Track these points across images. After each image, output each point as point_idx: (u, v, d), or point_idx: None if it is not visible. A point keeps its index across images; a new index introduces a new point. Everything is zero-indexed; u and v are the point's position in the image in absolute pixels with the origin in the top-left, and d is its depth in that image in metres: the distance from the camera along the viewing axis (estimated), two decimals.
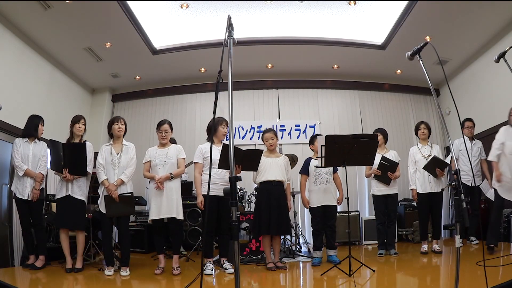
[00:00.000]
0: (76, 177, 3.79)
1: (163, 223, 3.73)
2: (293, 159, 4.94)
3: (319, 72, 6.82)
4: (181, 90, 7.09)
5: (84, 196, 3.85)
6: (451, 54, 5.81)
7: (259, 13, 5.15)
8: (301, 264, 4.20)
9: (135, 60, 6.10)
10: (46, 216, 4.51)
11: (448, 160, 4.60)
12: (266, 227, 3.73)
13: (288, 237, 4.88)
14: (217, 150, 3.64)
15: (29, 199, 3.82)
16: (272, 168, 3.86)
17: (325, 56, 6.21)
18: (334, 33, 5.65)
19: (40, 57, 5.40)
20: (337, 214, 4.37)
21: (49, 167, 4.04)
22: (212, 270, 3.69)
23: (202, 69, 6.62)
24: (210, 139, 3.77)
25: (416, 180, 4.45)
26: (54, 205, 4.56)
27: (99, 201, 3.75)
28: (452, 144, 3.08)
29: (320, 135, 4.53)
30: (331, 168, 4.09)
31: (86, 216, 3.98)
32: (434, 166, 4.28)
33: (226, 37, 1.98)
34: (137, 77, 6.80)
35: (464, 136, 4.72)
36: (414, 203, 5.23)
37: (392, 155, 4.45)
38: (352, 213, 5.26)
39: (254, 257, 4.32)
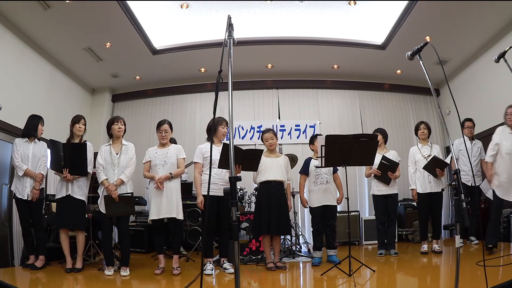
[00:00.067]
0: (76, 177, 3.79)
1: (163, 223, 3.73)
2: (293, 159, 4.94)
3: (319, 72, 6.82)
4: (181, 90, 7.09)
5: (84, 196, 3.85)
6: (451, 54, 5.81)
7: (259, 13, 5.15)
8: (301, 264, 4.20)
9: (135, 60, 6.10)
10: (46, 216, 4.51)
11: (448, 160, 4.60)
12: (266, 227, 3.73)
13: (288, 237, 4.88)
14: (217, 150, 3.64)
15: (29, 199, 3.82)
16: (272, 168, 3.86)
17: (325, 56, 6.21)
18: (334, 33, 5.65)
19: (40, 57, 5.40)
20: (337, 214, 4.37)
21: (49, 167, 4.04)
22: (212, 270, 3.69)
23: (202, 69, 6.62)
24: (210, 139, 3.77)
25: (416, 180, 4.45)
26: (54, 205, 4.56)
27: (99, 201, 3.75)
28: (452, 144, 3.08)
29: (320, 135, 4.53)
30: (331, 168, 4.09)
31: (86, 216, 3.98)
32: (434, 166, 4.28)
33: (226, 37, 1.98)
34: (137, 77, 6.80)
35: (464, 136, 4.72)
36: (414, 203, 5.23)
37: (392, 155, 4.45)
38: (352, 213, 5.25)
39: (254, 257, 4.32)
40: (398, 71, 6.69)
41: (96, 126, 6.46)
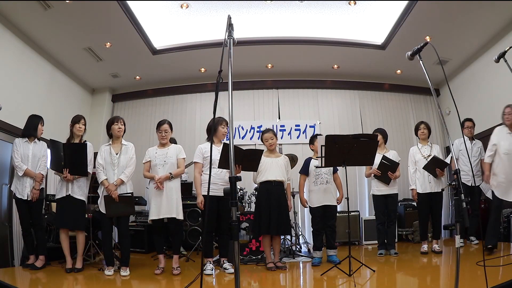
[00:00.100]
0: (76, 177, 3.79)
1: (163, 223, 3.73)
2: (293, 159, 4.94)
3: (319, 72, 6.82)
4: (181, 90, 7.09)
5: (84, 196, 3.85)
6: (451, 54, 5.81)
7: (259, 13, 5.15)
8: (301, 264, 4.20)
9: (135, 60, 6.10)
10: (46, 216, 4.51)
11: (448, 160, 4.60)
12: (266, 227, 3.73)
13: (288, 237, 4.88)
14: (217, 150, 3.64)
15: (28, 199, 3.82)
16: (272, 168, 3.86)
17: (325, 56, 6.21)
18: (334, 33, 5.64)
19: (40, 57, 5.40)
20: (337, 214, 4.37)
21: (49, 167, 4.04)
22: (212, 270, 3.69)
23: (202, 69, 6.62)
24: (210, 139, 3.77)
25: (416, 180, 4.45)
26: (54, 205, 4.56)
27: (99, 201, 3.75)
28: (452, 144, 3.08)
29: (320, 135, 4.53)
30: (331, 168, 4.09)
31: (86, 216, 3.98)
32: (434, 166, 4.28)
33: (226, 37, 1.98)
34: (137, 77, 6.80)
35: (464, 136, 4.72)
36: (414, 203, 5.23)
37: (392, 155, 4.46)
38: (352, 213, 5.25)
39: (254, 257, 4.32)
40: (398, 71, 6.69)
41: (96, 126, 6.46)
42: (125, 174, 3.75)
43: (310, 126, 6.77)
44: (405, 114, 7.03)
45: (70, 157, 3.75)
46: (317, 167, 4.05)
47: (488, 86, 5.56)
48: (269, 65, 6.60)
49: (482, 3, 4.50)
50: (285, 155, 4.24)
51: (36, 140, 4.01)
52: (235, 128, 6.66)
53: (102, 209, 3.67)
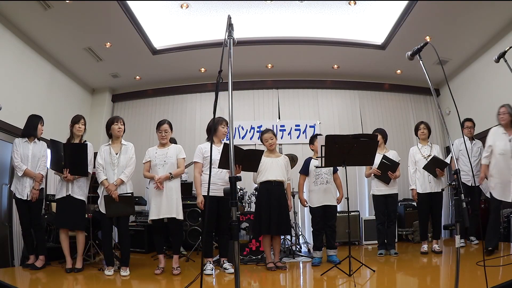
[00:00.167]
0: (76, 177, 3.79)
1: (163, 223, 3.73)
2: (293, 159, 4.94)
3: (319, 72, 6.81)
4: (181, 90, 7.09)
5: (84, 196, 3.85)
6: (451, 54, 5.81)
7: (259, 13, 5.15)
8: (301, 264, 4.20)
9: (135, 60, 6.10)
10: (46, 216, 4.51)
11: (448, 160, 4.60)
12: (266, 227, 3.73)
13: (288, 237, 4.88)
14: (217, 150, 3.65)
15: (28, 199, 3.82)
16: (272, 168, 3.86)
17: (325, 56, 6.21)
18: (334, 33, 5.64)
19: (40, 57, 5.40)
20: (337, 214, 4.37)
21: (49, 167, 4.03)
22: (212, 270, 3.69)
23: (202, 69, 6.62)
24: (210, 139, 3.77)
25: (416, 180, 4.45)
26: (54, 205, 4.56)
27: (99, 201, 3.75)
28: (452, 144, 3.08)
29: (320, 135, 4.53)
30: (331, 168, 4.09)
31: (86, 216, 3.98)
32: (434, 166, 4.28)
33: (226, 37, 1.98)
34: (137, 77, 6.80)
35: (464, 136, 4.72)
36: (414, 203, 5.23)
37: (392, 155, 4.46)
38: (352, 213, 5.25)
39: (254, 257, 4.32)
40: (398, 71, 6.69)
41: (96, 126, 6.46)
42: (125, 174, 3.75)
43: (310, 126, 6.77)
44: (405, 114, 7.02)
45: (71, 157, 3.75)
46: (317, 167, 4.05)
47: (488, 86, 5.56)
48: (269, 65, 6.60)
49: (482, 3, 4.50)
50: (285, 155, 4.24)
51: (36, 140, 4.01)
52: (235, 128, 6.66)
53: (102, 209, 3.67)
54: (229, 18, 2.00)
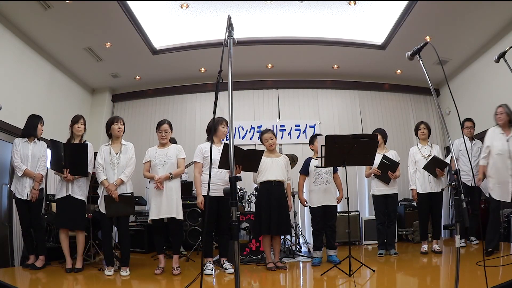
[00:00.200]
0: (76, 177, 3.79)
1: (163, 223, 3.73)
2: (293, 159, 4.94)
3: (319, 72, 6.81)
4: (181, 90, 7.09)
5: (84, 196, 3.85)
6: (451, 54, 5.81)
7: (259, 13, 5.15)
8: (301, 264, 4.20)
9: (135, 60, 6.10)
10: (46, 216, 4.51)
11: (448, 160, 4.60)
12: (266, 227, 3.73)
13: (288, 237, 4.88)
14: (217, 150, 3.65)
15: (28, 199, 3.82)
16: (272, 168, 3.86)
17: (325, 56, 6.21)
18: (334, 33, 5.64)
19: (40, 57, 5.40)
20: (337, 214, 4.37)
21: (49, 167, 4.03)
22: (212, 270, 3.69)
23: (202, 69, 6.62)
24: (210, 139, 3.77)
25: (416, 180, 4.45)
26: (54, 205, 4.56)
27: (99, 201, 3.75)
28: (452, 144, 3.08)
29: (320, 135, 4.53)
30: (331, 168, 4.09)
31: (86, 216, 3.98)
32: (434, 166, 4.28)
33: (226, 37, 1.98)
34: (137, 77, 6.80)
35: (464, 136, 4.72)
36: (414, 203, 5.23)
37: (392, 155, 4.46)
38: (352, 213, 5.25)
39: (254, 257, 4.32)
40: (398, 71, 6.69)
41: (96, 126, 6.45)
42: (125, 174, 3.75)
43: (310, 126, 6.77)
44: (405, 114, 7.02)
45: (71, 157, 3.75)
46: (317, 167, 4.05)
47: (488, 86, 5.56)
48: (269, 65, 6.60)
49: (482, 3, 4.50)
50: (285, 155, 4.24)
51: (36, 140, 4.01)
52: (235, 128, 6.66)
53: (102, 209, 3.67)
54: (229, 18, 2.01)
